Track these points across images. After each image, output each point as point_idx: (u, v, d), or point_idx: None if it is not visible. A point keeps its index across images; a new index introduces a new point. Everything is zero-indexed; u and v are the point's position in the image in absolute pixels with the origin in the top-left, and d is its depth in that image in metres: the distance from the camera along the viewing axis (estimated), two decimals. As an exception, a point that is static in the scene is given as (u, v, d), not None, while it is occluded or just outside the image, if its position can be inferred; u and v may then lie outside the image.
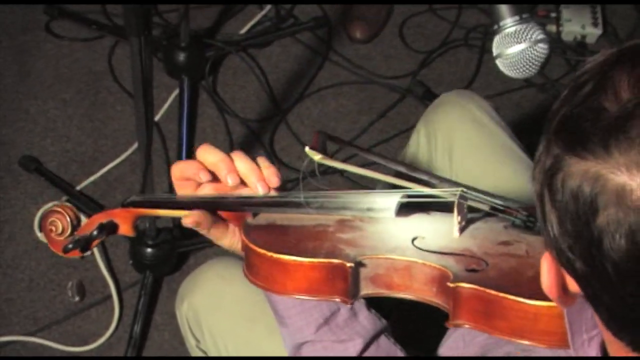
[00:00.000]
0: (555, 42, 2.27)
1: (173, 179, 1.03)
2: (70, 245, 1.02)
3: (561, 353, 0.86)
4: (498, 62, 0.99)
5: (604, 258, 0.62)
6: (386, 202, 0.98)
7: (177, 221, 1.99)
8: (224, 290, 1.30)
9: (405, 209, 0.99)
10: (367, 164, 1.26)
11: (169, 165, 2.10)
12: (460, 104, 1.43)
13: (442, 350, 1.18)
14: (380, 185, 1.30)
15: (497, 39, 0.98)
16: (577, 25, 2.29)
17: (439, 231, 0.96)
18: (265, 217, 1.00)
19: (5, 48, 2.26)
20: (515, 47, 0.96)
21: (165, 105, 2.18)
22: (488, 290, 0.85)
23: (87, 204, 2.00)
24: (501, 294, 0.84)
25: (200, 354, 1.36)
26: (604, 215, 0.61)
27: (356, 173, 1.05)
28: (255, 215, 1.00)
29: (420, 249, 0.92)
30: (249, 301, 1.29)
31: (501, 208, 0.98)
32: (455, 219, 0.95)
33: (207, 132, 2.16)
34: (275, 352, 1.25)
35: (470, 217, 0.99)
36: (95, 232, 1.02)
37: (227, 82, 2.25)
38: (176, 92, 2.18)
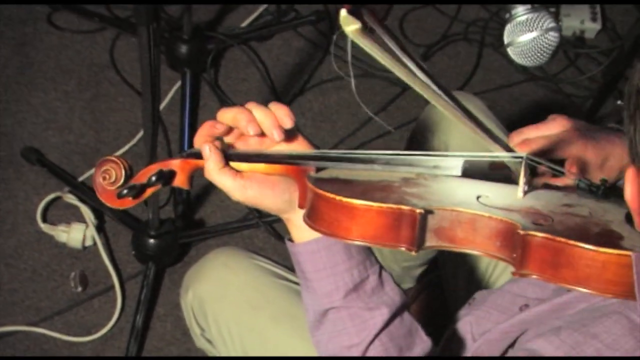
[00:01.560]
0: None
1: (196, 141, 1.03)
2: (125, 191, 1.00)
3: (570, 352, 0.87)
4: (509, 50, 1.00)
5: None
6: (453, 161, 0.99)
7: (179, 212, 2.00)
8: (229, 279, 1.31)
9: (469, 172, 1.00)
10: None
11: (171, 156, 2.10)
12: None
13: (451, 331, 1.18)
14: None
15: (508, 28, 0.99)
16: (576, 20, 2.31)
17: (503, 192, 0.98)
18: (329, 173, 1.00)
19: (7, 40, 2.27)
20: (527, 35, 0.97)
21: (167, 98, 2.19)
22: (558, 239, 0.85)
23: (89, 195, 2.01)
24: (571, 242, 0.85)
25: (205, 343, 1.37)
26: None
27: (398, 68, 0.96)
28: (318, 170, 1.01)
29: (486, 205, 0.93)
30: (254, 290, 1.30)
31: (563, 172, 0.99)
32: (521, 179, 0.97)
33: (208, 124, 2.17)
34: (280, 340, 1.26)
35: (531, 186, 1.00)
36: (153, 178, 1.00)
37: (229, 75, 2.25)
38: (178, 84, 2.19)
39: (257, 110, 0.99)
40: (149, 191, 1.02)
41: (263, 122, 0.99)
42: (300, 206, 0.99)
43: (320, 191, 0.93)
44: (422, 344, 1.05)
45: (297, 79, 2.26)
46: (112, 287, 1.93)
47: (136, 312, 1.86)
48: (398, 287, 1.05)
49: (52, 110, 2.16)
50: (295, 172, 1.00)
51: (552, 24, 0.98)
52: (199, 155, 1.02)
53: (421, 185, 0.97)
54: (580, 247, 0.84)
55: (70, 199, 2.01)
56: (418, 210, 0.90)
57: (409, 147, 1.54)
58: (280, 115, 1.00)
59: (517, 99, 2.26)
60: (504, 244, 0.90)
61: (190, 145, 2.07)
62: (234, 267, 1.33)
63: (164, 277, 1.95)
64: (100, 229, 1.99)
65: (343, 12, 0.82)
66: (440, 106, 0.95)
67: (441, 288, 1.52)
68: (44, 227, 1.97)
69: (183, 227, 1.97)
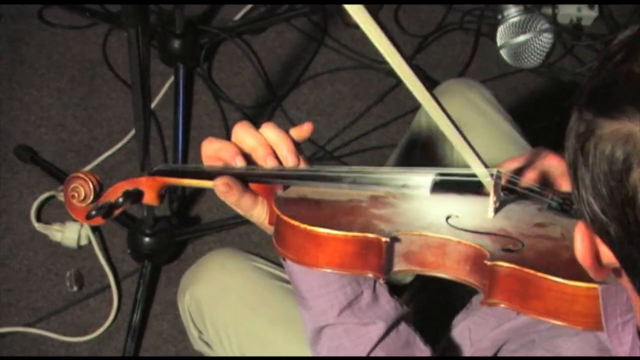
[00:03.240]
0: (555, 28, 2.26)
1: (204, 155, 1.01)
2: (93, 212, 1.00)
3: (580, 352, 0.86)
4: (502, 52, 0.98)
5: (638, 216, 0.62)
6: (421, 179, 0.97)
7: (175, 209, 1.98)
8: (226, 281, 1.30)
9: (439, 188, 0.98)
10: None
11: (165, 152, 2.09)
12: (461, 92, 1.43)
13: (449, 337, 1.18)
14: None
15: (501, 29, 0.98)
16: (573, 7, 2.28)
17: (473, 211, 0.96)
18: (296, 191, 0.99)
19: (-3, 36, 2.25)
20: (520, 37, 0.95)
21: (161, 93, 2.17)
22: (526, 270, 0.84)
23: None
24: (540, 274, 0.83)
25: (203, 346, 1.35)
26: (637, 173, 0.61)
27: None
28: (285, 188, 1.00)
29: (455, 227, 0.92)
30: (251, 292, 1.29)
31: (537, 190, 0.98)
32: (490, 198, 0.95)
33: (203, 119, 2.15)
34: (278, 343, 1.25)
35: (503, 198, 0.98)
36: (120, 199, 1.01)
37: (223, 69, 2.23)
38: (171, 79, 2.17)
39: (273, 133, 0.99)
40: (118, 210, 1.02)
41: (278, 147, 0.99)
42: (270, 224, 0.99)
43: (286, 217, 0.92)
44: (421, 354, 1.04)
45: (291, 72, 2.24)
46: (108, 286, 1.91)
47: (133, 311, 1.85)
48: (394, 300, 1.04)
49: (45, 107, 2.14)
50: (262, 191, 1.00)
51: (546, 25, 0.96)
52: (164, 172, 1.03)
53: (390, 206, 0.96)
54: (549, 279, 0.83)
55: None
56: (384, 239, 0.88)
57: (409, 143, 1.52)
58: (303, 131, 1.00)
59: (514, 89, 2.24)
60: (473, 268, 0.89)
61: (185, 140, 2.07)
62: (231, 269, 1.31)
63: (160, 275, 1.94)
64: (95, 227, 1.97)
65: None
66: (420, 98, 0.94)
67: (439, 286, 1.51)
68: (38, 226, 1.96)
69: (179, 224, 1.96)
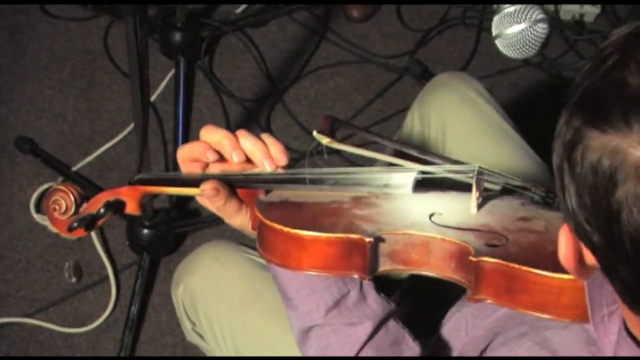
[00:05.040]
0: (553, 20, 2.26)
1: (180, 161, 1.01)
2: (75, 224, 1.00)
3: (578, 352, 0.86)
4: (497, 42, 0.98)
5: (622, 232, 0.62)
6: (403, 178, 0.97)
7: (174, 202, 1.98)
8: (220, 274, 1.29)
9: (421, 186, 0.98)
10: (370, 144, 1.24)
11: (165, 145, 2.09)
12: (453, 86, 1.43)
13: (443, 331, 1.18)
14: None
15: (496, 19, 0.97)
16: (576, 3, 2.28)
17: (456, 208, 0.96)
18: (278, 194, 0.99)
19: (-1, 28, 2.25)
20: (515, 27, 0.95)
21: (162, 86, 2.17)
22: (512, 264, 0.84)
23: (83, 185, 1.99)
24: (525, 268, 0.83)
25: (197, 338, 1.35)
26: (622, 190, 0.61)
27: (365, 156, 1.04)
28: (267, 192, 0.99)
29: (438, 224, 0.91)
30: (245, 285, 1.28)
31: (519, 184, 0.98)
32: (473, 195, 0.95)
33: (203, 112, 2.15)
34: (271, 336, 1.25)
35: (486, 194, 0.98)
36: (101, 210, 1.00)
37: (224, 62, 2.23)
38: (172, 72, 2.16)
39: (247, 140, 0.98)
40: (100, 221, 1.02)
41: (253, 153, 0.98)
42: (253, 228, 0.99)
43: (268, 222, 0.92)
44: (410, 350, 1.04)
45: (293, 66, 2.24)
46: (107, 277, 1.92)
47: (131, 302, 1.85)
48: (381, 298, 1.04)
49: (46, 99, 2.15)
50: (244, 195, 0.99)
51: (541, 15, 0.96)
52: (145, 181, 1.02)
53: (372, 206, 0.96)
54: (534, 273, 0.83)
55: (64, 189, 1.99)
56: (368, 239, 0.88)
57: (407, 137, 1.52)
58: (274, 152, 0.98)
59: (515, 84, 2.24)
60: (458, 265, 0.88)
61: (185, 135, 2.07)
62: (225, 261, 1.31)
63: (159, 267, 1.94)
64: (94, 219, 1.97)
65: (314, 133, 0.99)
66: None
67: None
68: (37, 217, 1.96)
69: (177, 216, 1.96)
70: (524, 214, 0.95)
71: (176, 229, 1.92)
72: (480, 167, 0.96)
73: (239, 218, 1.00)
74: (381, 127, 2.14)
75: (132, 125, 2.09)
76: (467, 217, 0.94)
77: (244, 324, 1.26)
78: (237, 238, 1.95)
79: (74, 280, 1.91)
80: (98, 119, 2.12)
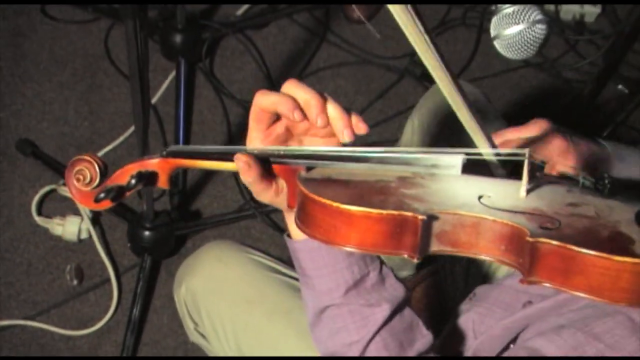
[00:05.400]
0: (553, 21, 2.26)
1: (256, 107, 0.93)
2: (102, 194, 0.95)
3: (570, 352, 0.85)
4: (496, 43, 0.97)
5: None
6: (452, 159, 0.95)
7: (175, 203, 1.98)
8: (222, 274, 1.29)
9: (468, 170, 0.96)
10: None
11: (165, 147, 2.08)
12: None
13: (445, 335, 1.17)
14: None
15: (495, 20, 0.97)
16: (576, 3, 2.28)
17: (505, 191, 0.94)
18: (320, 172, 0.95)
19: (0, 30, 2.25)
20: (513, 28, 0.95)
21: (163, 88, 2.17)
22: (570, 246, 0.82)
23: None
24: (584, 250, 0.81)
25: (199, 338, 1.35)
26: None
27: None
28: (309, 170, 0.96)
29: (489, 206, 0.89)
30: (247, 284, 1.28)
31: (570, 174, 0.97)
32: (524, 178, 0.93)
33: (204, 113, 2.15)
34: (274, 335, 1.25)
35: (534, 180, 0.97)
36: (132, 182, 0.95)
37: (224, 64, 2.23)
38: (173, 74, 2.17)
39: (333, 106, 0.91)
40: (128, 193, 0.97)
41: (336, 121, 0.91)
42: (290, 206, 0.95)
43: (315, 196, 0.88)
44: (423, 338, 1.03)
45: (293, 67, 2.24)
46: (108, 280, 1.91)
47: (132, 304, 1.85)
48: (399, 282, 1.03)
49: (47, 101, 2.15)
50: (283, 172, 0.96)
51: (540, 16, 0.95)
52: (178, 154, 0.98)
53: (419, 186, 0.93)
54: (593, 254, 0.81)
55: (65, 191, 1.99)
56: (420, 217, 0.85)
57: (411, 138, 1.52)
58: (355, 120, 0.92)
59: (516, 85, 2.24)
60: (509, 248, 0.86)
61: (186, 135, 2.07)
62: (227, 261, 1.31)
63: (160, 269, 1.94)
64: (95, 221, 1.97)
65: None
66: (446, 91, 0.92)
67: (441, 277, 1.51)
68: (39, 220, 1.96)
69: (179, 218, 1.96)
70: (573, 200, 0.93)
71: (177, 231, 1.92)
72: (530, 151, 0.95)
73: (267, 196, 0.96)
74: (382, 128, 2.14)
75: (132, 128, 2.09)
76: (516, 200, 0.92)
77: (246, 324, 1.26)
78: (239, 240, 1.96)
79: (75, 282, 1.91)
80: (99, 121, 2.12)
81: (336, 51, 2.26)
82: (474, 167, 0.97)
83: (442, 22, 2.30)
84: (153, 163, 0.97)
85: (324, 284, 0.99)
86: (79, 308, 1.89)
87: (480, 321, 1.14)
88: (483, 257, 0.88)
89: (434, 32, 2.27)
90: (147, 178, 0.96)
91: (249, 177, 0.93)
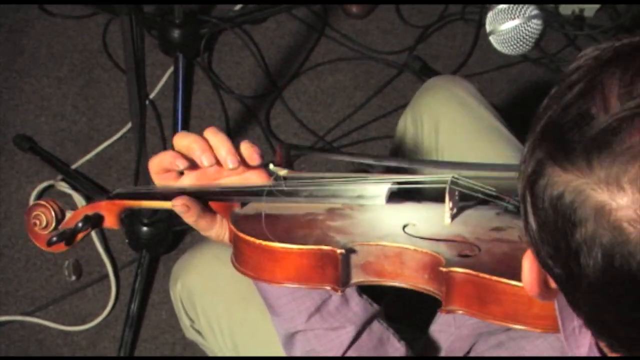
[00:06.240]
0: (552, 15, 2.25)
1: (152, 175, 0.99)
2: (54, 238, 1.00)
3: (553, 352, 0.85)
4: (491, 38, 0.97)
5: (581, 273, 0.60)
6: (377, 189, 0.96)
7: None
8: (218, 271, 1.29)
9: (396, 197, 0.98)
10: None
11: (164, 142, 2.08)
12: (445, 87, 1.43)
13: (433, 328, 1.17)
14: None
15: (490, 15, 0.97)
16: (576, 4, 2.27)
17: (430, 218, 0.95)
18: (254, 207, 0.98)
19: (-2, 26, 2.25)
20: (509, 23, 0.95)
21: (161, 83, 2.17)
22: (481, 275, 0.83)
23: (82, 183, 1.99)
24: (495, 278, 0.83)
25: (195, 335, 1.35)
26: (581, 231, 0.59)
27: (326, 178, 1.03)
28: (243, 205, 0.99)
29: (412, 235, 0.91)
30: (244, 282, 1.27)
31: (493, 194, 0.97)
32: (446, 205, 0.94)
33: (202, 109, 2.15)
34: (270, 333, 1.24)
35: (461, 204, 0.97)
36: (80, 224, 1.00)
37: (223, 59, 2.23)
38: (171, 69, 2.16)
39: (213, 137, 0.95)
40: (80, 235, 1.02)
41: (217, 150, 0.95)
42: (230, 241, 0.98)
43: (241, 234, 0.92)
44: (395, 351, 1.04)
45: (292, 62, 2.23)
46: (107, 275, 1.91)
47: (131, 300, 1.85)
48: (364, 300, 1.04)
49: (45, 97, 2.14)
50: (220, 208, 0.99)
51: (535, 11, 0.95)
52: (123, 195, 1.02)
53: (347, 217, 0.95)
54: (504, 282, 0.82)
55: (63, 187, 1.99)
56: (339, 251, 0.88)
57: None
58: (248, 153, 0.96)
59: (515, 80, 2.23)
60: (431, 276, 0.88)
61: (185, 130, 2.06)
62: (224, 258, 1.30)
63: (158, 265, 1.94)
64: (93, 217, 1.97)
65: (271, 166, 0.99)
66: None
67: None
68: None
69: (177, 214, 1.95)
70: (498, 224, 0.94)
71: (175, 226, 1.92)
72: (454, 177, 0.95)
73: (213, 232, 1.00)
74: (380, 124, 2.14)
75: (130, 123, 2.09)
76: (440, 227, 0.93)
77: (243, 321, 1.26)
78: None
79: (73, 278, 1.91)
80: (97, 116, 2.12)
81: (335, 46, 2.26)
82: (406, 192, 0.98)
83: (440, 17, 2.30)
84: (101, 205, 1.02)
85: (287, 312, 1.01)
86: (77, 304, 1.89)
87: (460, 316, 1.14)
88: (408, 286, 0.90)
89: (432, 27, 2.28)
90: (94, 220, 1.01)
91: (190, 217, 0.96)
